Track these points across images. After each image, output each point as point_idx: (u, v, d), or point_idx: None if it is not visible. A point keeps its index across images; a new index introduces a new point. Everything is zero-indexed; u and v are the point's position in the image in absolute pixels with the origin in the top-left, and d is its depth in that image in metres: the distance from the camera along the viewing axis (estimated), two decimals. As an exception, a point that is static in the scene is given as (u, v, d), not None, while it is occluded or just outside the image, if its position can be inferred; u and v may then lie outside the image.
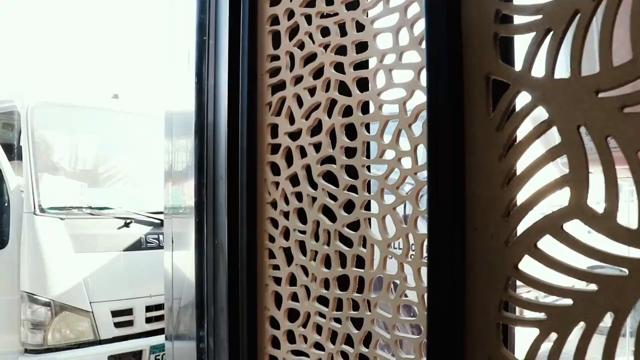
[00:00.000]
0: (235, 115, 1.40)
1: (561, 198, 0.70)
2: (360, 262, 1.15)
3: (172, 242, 2.36)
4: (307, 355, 1.25)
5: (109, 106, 4.24)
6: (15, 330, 3.43)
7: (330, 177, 1.20)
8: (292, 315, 1.28)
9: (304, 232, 1.24)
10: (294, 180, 1.27)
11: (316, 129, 1.23)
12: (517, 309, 0.77)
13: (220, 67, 1.50)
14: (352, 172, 1.16)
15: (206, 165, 1.59)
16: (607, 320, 0.60)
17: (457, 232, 0.67)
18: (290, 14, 1.29)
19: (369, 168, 1.15)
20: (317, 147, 1.22)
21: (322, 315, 1.22)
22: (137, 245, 3.82)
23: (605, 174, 0.58)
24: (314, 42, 1.24)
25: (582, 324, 0.60)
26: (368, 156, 1.16)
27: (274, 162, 1.31)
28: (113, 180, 4.33)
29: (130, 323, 3.74)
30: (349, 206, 1.17)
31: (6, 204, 3.46)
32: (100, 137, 4.23)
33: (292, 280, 1.28)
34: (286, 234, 1.29)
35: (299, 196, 1.26)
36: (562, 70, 0.69)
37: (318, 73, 1.23)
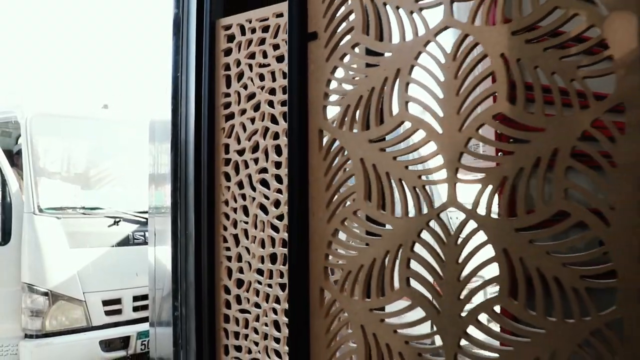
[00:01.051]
0: (199, 136, 1.88)
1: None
2: (284, 244, 1.64)
3: (155, 238, 2.80)
4: (249, 312, 1.74)
5: (100, 115, 4.68)
6: (16, 317, 3.82)
7: (264, 183, 1.69)
8: (239, 283, 1.77)
9: (246, 223, 1.73)
10: (240, 185, 1.76)
11: (255, 148, 1.72)
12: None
13: (190, 98, 1.98)
14: (279, 179, 1.65)
15: (179, 173, 2.07)
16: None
17: (304, 216, 1.15)
18: (238, 63, 1.77)
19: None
20: (256, 161, 1.71)
21: (259, 282, 1.71)
22: (125, 242, 4.21)
23: (372, 186, 1.06)
24: (254, 85, 1.73)
25: (364, 266, 1.09)
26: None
27: (226, 172, 1.80)
28: (103, 183, 4.76)
29: (119, 311, 4.14)
30: (277, 203, 1.66)
31: (8, 205, 3.88)
32: (92, 144, 4.65)
33: (239, 258, 1.76)
34: (235, 224, 1.77)
35: (243, 197, 1.75)
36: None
37: (256, 107, 1.72)
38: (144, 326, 4.18)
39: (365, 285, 1.08)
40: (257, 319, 1.71)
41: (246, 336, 1.74)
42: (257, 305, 1.71)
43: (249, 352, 1.73)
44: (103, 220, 4.18)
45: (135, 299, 4.21)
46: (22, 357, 3.82)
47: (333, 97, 1.13)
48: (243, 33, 1.75)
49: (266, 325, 1.69)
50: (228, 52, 1.80)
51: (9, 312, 3.85)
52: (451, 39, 0.94)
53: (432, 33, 0.98)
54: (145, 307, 4.24)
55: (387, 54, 1.03)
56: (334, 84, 1.12)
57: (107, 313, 4.10)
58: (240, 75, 1.77)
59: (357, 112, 1.08)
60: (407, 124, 1.00)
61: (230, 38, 1.80)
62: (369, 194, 1.06)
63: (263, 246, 1.68)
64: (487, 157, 0.93)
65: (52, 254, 3.90)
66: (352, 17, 1.08)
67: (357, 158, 1.07)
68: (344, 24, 1.08)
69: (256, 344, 1.70)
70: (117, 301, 4.15)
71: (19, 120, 4.09)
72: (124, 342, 4.15)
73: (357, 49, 1.08)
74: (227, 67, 1.80)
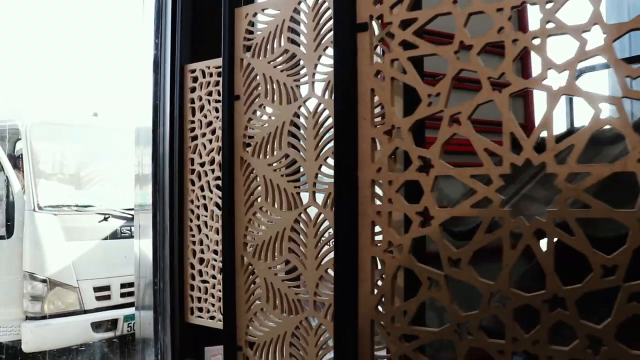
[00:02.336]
0: (172, 152, 2.57)
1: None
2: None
3: (140, 232, 3.43)
4: (208, 282, 2.43)
5: (90, 122, 5.35)
6: (19, 302, 4.45)
7: (219, 187, 2.39)
8: (201, 261, 2.46)
9: (206, 216, 2.42)
10: (202, 188, 2.45)
11: (212, 162, 2.41)
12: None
13: (165, 123, 2.65)
14: (229, 184, 2.35)
15: (158, 179, 2.76)
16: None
17: (231, 213, 1.85)
18: (200, 98, 2.46)
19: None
20: (212, 171, 2.41)
21: (215, 259, 2.40)
22: (113, 235, 4.86)
23: (269, 192, 1.76)
24: (211, 115, 2.42)
25: (265, 241, 1.80)
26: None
27: (192, 179, 2.49)
28: (93, 183, 5.41)
29: (108, 297, 4.76)
30: (227, 202, 2.36)
31: (12, 203, 4.54)
32: (83, 148, 5.31)
33: (201, 242, 2.46)
34: (198, 217, 2.46)
35: (204, 197, 2.44)
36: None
37: (213, 132, 2.42)
38: (130, 310, 4.80)
39: (266, 253, 1.77)
40: (213, 286, 2.41)
41: (206, 300, 2.44)
42: (214, 277, 2.41)
43: (208, 311, 2.43)
44: (94, 216, 4.82)
45: (123, 286, 4.80)
46: (23, 337, 4.41)
47: (249, 137, 1.82)
48: (204, 76, 2.44)
49: (220, 291, 2.39)
50: (193, 89, 2.49)
51: (12, 297, 4.48)
52: (313, 104, 1.63)
53: (302, 100, 1.67)
54: (131, 294, 4.87)
55: (277, 111, 1.72)
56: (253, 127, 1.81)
57: (98, 298, 4.71)
58: (201, 107, 2.46)
59: (262, 147, 1.77)
60: (290, 155, 1.69)
61: (195, 79, 2.48)
62: (267, 197, 1.75)
63: (218, 233, 2.38)
64: (328, 175, 1.63)
65: (50, 246, 4.53)
66: (260, 87, 1.78)
67: (261, 175, 1.77)
68: (255, 90, 1.78)
69: (213, 305, 2.40)
70: (107, 288, 4.77)
71: (19, 128, 4.76)
72: (112, 324, 4.76)
73: (263, 107, 1.78)
74: (192, 101, 2.49)
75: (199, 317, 2.47)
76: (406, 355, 1.24)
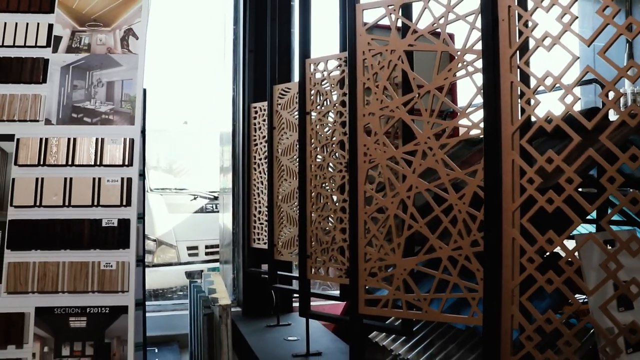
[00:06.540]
0: (244, 152, 4.91)
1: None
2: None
3: (223, 208, 5.65)
4: (263, 223, 4.76)
5: (182, 129, 7.80)
6: None
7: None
8: (259, 212, 4.81)
9: (263, 188, 4.77)
10: (259, 172, 4.79)
11: (265, 158, 4.75)
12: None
13: (239, 136, 5.00)
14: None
15: (235, 169, 5.12)
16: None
17: (272, 184, 4.15)
18: (258, 123, 4.80)
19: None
20: (265, 163, 4.74)
21: (266, 211, 4.74)
22: (200, 210, 6.86)
23: (288, 172, 4.03)
24: (264, 132, 4.76)
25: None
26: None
27: (254, 168, 4.82)
28: (183, 173, 7.83)
29: (196, 254, 6.71)
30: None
31: (133, 187, 7.00)
32: (177, 147, 7.74)
33: (259, 202, 4.80)
34: (258, 189, 4.81)
35: (261, 178, 4.78)
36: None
37: (265, 142, 4.75)
38: (213, 264, 6.93)
39: (287, 199, 4.07)
40: (265, 227, 4.75)
41: (261, 233, 4.77)
42: (265, 221, 4.74)
43: (263, 240, 4.77)
44: (187, 196, 6.84)
45: (207, 247, 6.70)
46: (141, 278, 6.85)
47: (280, 146, 4.12)
48: (261, 111, 4.76)
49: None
50: (255, 117, 4.83)
51: (134, 251, 6.91)
52: (308, 133, 3.92)
53: (304, 131, 3.96)
54: (212, 253, 6.66)
55: (291, 135, 4.01)
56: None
57: (189, 255, 6.52)
58: (260, 128, 4.78)
59: (285, 151, 4.04)
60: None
61: (256, 112, 4.81)
62: (287, 174, 4.03)
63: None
64: (314, 165, 3.91)
65: (158, 216, 6.49)
66: (283, 123, 4.07)
67: (285, 164, 4.03)
68: (282, 124, 4.08)
69: (265, 236, 4.74)
70: (195, 247, 6.58)
71: (135, 134, 7.25)
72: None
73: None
74: (254, 124, 4.83)
75: (258, 243, 4.79)
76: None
